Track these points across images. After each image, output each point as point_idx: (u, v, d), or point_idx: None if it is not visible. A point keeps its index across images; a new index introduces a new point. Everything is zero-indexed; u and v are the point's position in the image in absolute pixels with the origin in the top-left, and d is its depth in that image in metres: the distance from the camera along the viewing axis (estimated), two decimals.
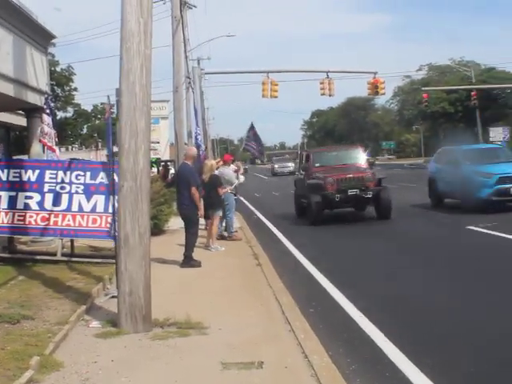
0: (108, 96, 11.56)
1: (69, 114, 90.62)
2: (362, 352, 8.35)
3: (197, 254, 15.34)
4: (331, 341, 8.81)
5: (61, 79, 73.56)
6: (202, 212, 15.49)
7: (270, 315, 10.08)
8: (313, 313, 10.46)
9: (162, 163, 38.36)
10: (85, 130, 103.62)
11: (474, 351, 8.19)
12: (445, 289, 11.68)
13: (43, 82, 17.56)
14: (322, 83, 42.83)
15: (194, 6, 37.24)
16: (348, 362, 7.96)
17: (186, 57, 37.84)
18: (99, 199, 14.79)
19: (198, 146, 27.39)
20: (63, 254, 14.94)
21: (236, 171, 20.44)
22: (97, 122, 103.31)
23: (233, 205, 19.79)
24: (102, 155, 66.87)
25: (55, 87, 65.86)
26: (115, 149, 12.18)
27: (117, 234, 9.86)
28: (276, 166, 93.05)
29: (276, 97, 42.35)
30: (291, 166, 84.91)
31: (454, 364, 7.76)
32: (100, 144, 79.95)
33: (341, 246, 18.38)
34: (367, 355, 8.22)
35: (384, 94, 44.64)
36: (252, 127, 27.32)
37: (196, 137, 30.27)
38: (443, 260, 14.55)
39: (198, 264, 14.73)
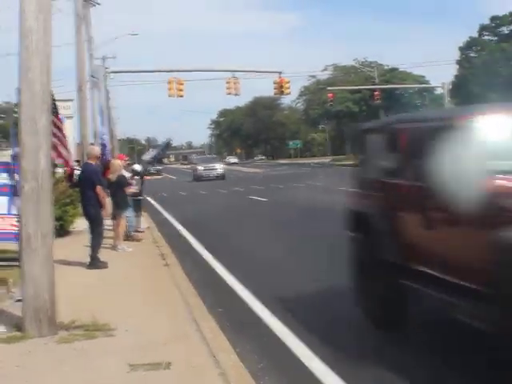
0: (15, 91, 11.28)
1: None
2: (269, 349, 8.41)
3: (103, 254, 15.14)
4: (239, 339, 8.82)
5: None
6: (107, 211, 15.29)
7: (178, 315, 10.01)
8: (221, 312, 10.43)
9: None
10: None
11: None
12: None
13: None
14: (228, 82, 43.11)
15: (98, 3, 36.87)
16: (255, 358, 7.98)
17: (91, 55, 37.42)
18: (2, 200, 14.43)
19: (103, 146, 27.04)
20: None
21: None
22: (0, 121, 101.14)
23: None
24: (5, 156, 65.51)
25: None
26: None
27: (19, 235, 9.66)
28: (200, 167, 69.30)
29: (182, 96, 42.44)
30: (219, 167, 69.75)
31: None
32: (3, 144, 78.25)
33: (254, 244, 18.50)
34: (275, 352, 8.26)
35: (289, 93, 45.36)
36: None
37: (101, 136, 29.93)
38: None
39: (104, 265, 14.53)
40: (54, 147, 16.17)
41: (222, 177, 66.67)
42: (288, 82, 43.99)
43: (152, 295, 11.60)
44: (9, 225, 14.21)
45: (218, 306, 10.78)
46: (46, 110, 9.18)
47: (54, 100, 14.33)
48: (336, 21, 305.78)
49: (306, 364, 7.71)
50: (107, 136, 32.13)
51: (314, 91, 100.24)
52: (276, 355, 8.14)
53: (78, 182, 18.29)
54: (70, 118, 47.01)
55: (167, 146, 23.44)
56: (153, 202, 35.89)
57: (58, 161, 17.60)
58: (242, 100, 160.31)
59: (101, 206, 14.87)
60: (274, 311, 10.11)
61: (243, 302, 11.04)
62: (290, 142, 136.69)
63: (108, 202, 15.88)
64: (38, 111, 9.04)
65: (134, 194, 20.28)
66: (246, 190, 42.02)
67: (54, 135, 15.61)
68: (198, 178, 67.42)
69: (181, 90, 42.01)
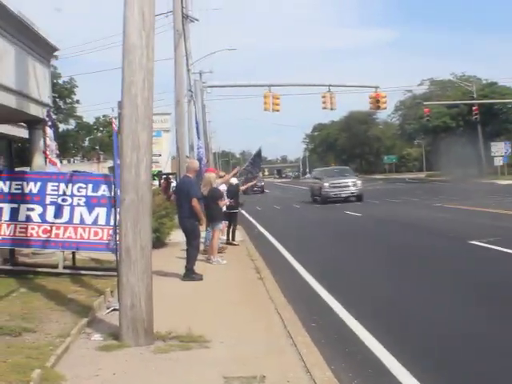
0: (112, 108, 11.56)
1: (71, 127, 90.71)
2: (364, 367, 8.28)
3: (198, 267, 15.32)
4: (333, 355, 8.74)
5: (63, 92, 73.68)
6: (204, 224, 15.41)
7: (272, 329, 10.04)
8: (315, 327, 10.40)
9: (164, 176, 38.37)
10: (87, 143, 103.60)
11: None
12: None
13: (45, 95, 17.56)
14: (323, 97, 43.00)
15: (196, 20, 37.39)
16: (350, 376, 7.90)
17: (188, 70, 37.94)
18: (101, 212, 14.79)
19: (199, 159, 27.36)
20: (65, 267, 14.91)
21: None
22: (99, 134, 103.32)
23: None
24: (103, 168, 66.89)
25: (57, 99, 66.02)
26: (119, 161, 12.20)
27: (118, 246, 9.85)
28: (326, 184, 47.40)
29: (278, 110, 42.50)
30: (354, 183, 47.56)
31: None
32: (102, 157, 79.99)
33: (349, 259, 18.39)
34: (370, 370, 8.15)
35: (385, 108, 44.86)
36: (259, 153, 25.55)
37: (198, 150, 30.28)
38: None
39: (199, 277, 14.70)
40: None
41: (358, 197, 46.45)
42: (384, 97, 43.66)
43: (246, 308, 11.66)
44: (107, 236, 14.58)
45: (313, 321, 10.74)
46: (148, 125, 9.37)
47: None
48: (433, 35, 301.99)
49: None
50: (203, 149, 32.50)
51: (410, 106, 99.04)
52: (371, 374, 8.04)
53: (174, 194, 18.59)
54: (167, 131, 47.88)
55: (259, 154, 22.85)
56: (247, 215, 36.03)
57: None
58: (336, 115, 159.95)
59: (198, 218, 15.03)
60: (369, 328, 10.00)
61: (338, 318, 10.94)
62: (385, 157, 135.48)
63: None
64: (139, 126, 9.24)
65: (230, 207, 20.47)
66: (341, 205, 41.81)
67: None
68: (324, 198, 46.63)
69: (277, 105, 42.12)
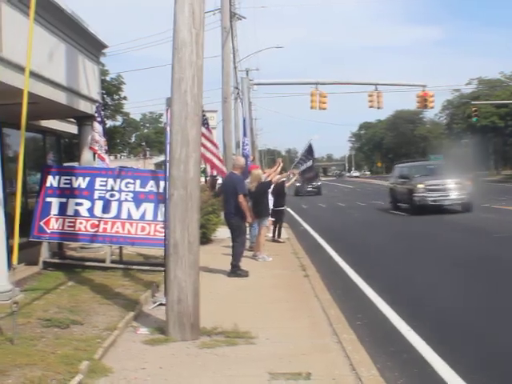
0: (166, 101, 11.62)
1: (118, 123, 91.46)
2: (410, 366, 8.25)
3: (244, 263, 15.37)
4: (378, 353, 8.71)
5: (110, 88, 74.26)
6: (249, 220, 15.40)
7: (318, 326, 10.04)
8: (360, 325, 10.37)
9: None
10: (133, 139, 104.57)
11: None
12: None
13: (95, 91, 17.74)
14: (370, 95, 42.63)
15: (244, 17, 37.53)
16: (396, 375, 7.86)
17: (235, 67, 38.08)
18: (148, 207, 14.92)
19: (245, 157, 27.39)
20: (112, 261, 15.06)
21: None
22: (145, 130, 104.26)
23: None
24: (149, 164, 67.43)
25: (105, 96, 66.58)
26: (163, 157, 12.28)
27: (166, 241, 9.93)
28: (421, 186, 32.81)
29: (325, 108, 42.24)
30: (456, 187, 32.59)
31: None
32: (148, 153, 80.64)
33: (394, 258, 18.30)
34: (416, 369, 8.11)
35: (433, 107, 44.20)
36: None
37: (244, 147, 30.30)
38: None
39: (245, 274, 14.76)
40: (208, 159, 16.63)
41: (466, 206, 32.41)
42: (432, 96, 43.13)
43: (292, 305, 11.67)
44: (154, 231, 14.69)
45: (358, 319, 10.73)
46: (197, 121, 9.43)
47: (203, 111, 14.73)
48: (481, 33, 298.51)
49: None
50: (249, 147, 32.54)
51: (458, 105, 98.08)
52: (417, 373, 7.99)
53: (220, 191, 18.64)
54: (213, 128, 48.02)
55: (310, 149, 21.88)
56: (292, 212, 36.02)
57: (213, 171, 18.00)
58: (382, 114, 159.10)
59: (243, 215, 15.07)
60: (415, 327, 9.95)
61: (384, 317, 10.90)
62: (432, 156, 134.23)
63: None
64: (189, 122, 9.30)
65: (276, 204, 20.52)
66: (385, 204, 41.52)
67: (206, 147, 16.03)
68: (418, 206, 32.75)
69: (324, 103, 41.87)
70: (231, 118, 30.82)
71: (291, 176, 22.17)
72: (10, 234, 12.17)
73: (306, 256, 18.32)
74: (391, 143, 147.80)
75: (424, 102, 42.75)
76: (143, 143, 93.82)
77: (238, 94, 38.80)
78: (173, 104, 9.47)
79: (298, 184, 50.40)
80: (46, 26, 13.73)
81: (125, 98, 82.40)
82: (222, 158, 15.81)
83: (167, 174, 10.35)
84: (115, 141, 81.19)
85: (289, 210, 26.54)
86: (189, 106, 9.32)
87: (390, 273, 15.58)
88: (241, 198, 14.93)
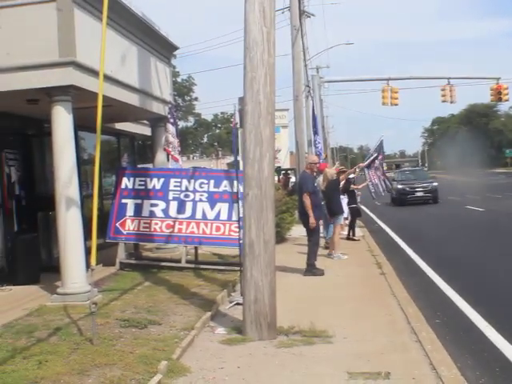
0: (235, 105, 11.66)
1: (189, 124, 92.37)
2: (491, 365, 8.07)
3: (319, 262, 15.30)
4: (458, 352, 8.55)
5: (181, 89, 75.07)
6: (312, 220, 15.18)
7: (396, 325, 9.92)
8: (439, 323, 10.21)
9: (283, 172, 38.50)
10: (205, 139, 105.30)
11: None
12: None
13: (167, 92, 17.87)
14: (443, 90, 42.04)
15: (313, 15, 37.35)
16: (477, 375, 7.70)
17: (305, 65, 37.87)
18: (223, 207, 14.96)
19: (318, 155, 27.28)
20: (187, 261, 15.16)
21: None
22: (217, 131, 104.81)
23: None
24: (222, 164, 67.75)
25: (176, 97, 67.28)
26: (237, 157, 12.29)
27: (241, 241, 9.93)
28: None
29: (396, 104, 41.82)
30: None
31: None
32: (220, 153, 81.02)
33: (473, 256, 17.94)
34: (497, 368, 7.93)
35: (507, 100, 43.33)
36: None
37: (316, 145, 30.17)
38: None
39: (320, 272, 14.68)
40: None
41: None
42: (506, 88, 42.33)
43: (369, 303, 11.56)
44: (229, 231, 14.73)
45: (437, 317, 10.56)
46: (270, 120, 9.40)
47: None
48: None
49: None
50: (321, 145, 32.39)
51: None
52: (499, 373, 7.81)
53: (293, 189, 18.58)
54: (285, 127, 48.07)
55: (381, 145, 21.64)
56: (366, 210, 35.76)
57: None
58: (454, 108, 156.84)
59: (316, 214, 14.92)
60: (496, 326, 9.73)
61: (464, 315, 10.69)
62: (507, 151, 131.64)
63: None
64: (262, 121, 9.29)
65: (350, 202, 20.43)
66: (461, 200, 40.89)
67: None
68: None
69: (395, 99, 41.46)
70: (303, 116, 30.65)
71: (357, 169, 21.85)
72: (86, 236, 12.39)
73: (381, 253, 18.14)
74: (465, 138, 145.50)
75: (498, 94, 41.97)
76: (215, 143, 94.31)
77: (308, 91, 38.56)
78: (246, 103, 9.47)
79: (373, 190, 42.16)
80: (117, 30, 13.89)
81: (196, 98, 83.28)
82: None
83: (240, 174, 10.36)
84: (187, 142, 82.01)
85: (362, 207, 26.23)
86: (262, 105, 9.31)
87: (470, 270, 15.31)
88: (304, 196, 14.82)
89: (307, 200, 14.88)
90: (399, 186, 42.45)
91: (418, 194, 41.94)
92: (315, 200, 15.03)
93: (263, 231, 9.26)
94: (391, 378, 7.42)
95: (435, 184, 42.69)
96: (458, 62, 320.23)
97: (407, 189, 42.30)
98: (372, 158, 21.70)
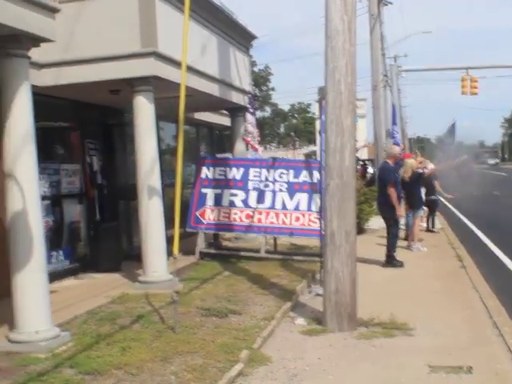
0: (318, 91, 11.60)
1: (266, 114, 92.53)
2: None
3: (398, 254, 15.16)
4: None
5: (258, 80, 75.23)
6: (400, 212, 15.10)
7: (477, 319, 9.79)
8: None
9: (361, 162, 38.24)
10: (282, 129, 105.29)
11: None
12: None
13: (246, 82, 17.94)
14: None
15: (390, 3, 36.93)
16: None
17: (383, 55, 37.52)
18: (302, 197, 14.94)
19: (396, 145, 26.97)
20: (266, 251, 15.17)
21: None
22: (293, 121, 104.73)
23: None
24: (299, 154, 67.71)
25: (253, 87, 67.64)
26: (314, 148, 12.23)
27: (323, 231, 9.91)
28: None
29: (476, 94, 41.20)
30: None
31: None
32: (297, 143, 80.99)
33: None
34: None
35: None
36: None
37: (394, 136, 29.88)
38: None
39: (400, 264, 14.55)
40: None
41: None
42: None
43: (449, 296, 11.42)
44: (309, 221, 14.71)
45: None
46: (351, 110, 9.34)
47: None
48: None
49: None
50: (399, 135, 32.08)
51: None
52: None
53: (371, 180, 18.41)
54: (362, 117, 47.75)
55: (453, 127, 21.23)
56: (445, 201, 35.24)
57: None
58: None
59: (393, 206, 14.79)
60: None
61: None
62: None
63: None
64: (343, 111, 9.24)
65: (429, 193, 20.21)
66: None
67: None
68: None
69: (475, 88, 40.82)
70: (381, 106, 30.38)
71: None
72: (166, 225, 12.57)
73: (461, 246, 17.85)
74: None
75: None
76: (292, 133, 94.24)
77: (386, 81, 38.20)
78: (327, 93, 9.43)
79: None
80: (197, 20, 13.99)
81: (273, 88, 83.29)
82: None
83: (322, 164, 10.34)
84: (264, 131, 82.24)
85: (441, 198, 25.78)
86: (343, 95, 9.26)
87: None
88: (390, 189, 14.68)
89: (393, 192, 14.76)
90: None
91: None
92: (397, 191, 14.91)
93: (344, 222, 9.22)
94: (473, 372, 7.33)
95: None
96: None
97: None
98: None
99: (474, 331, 9.10)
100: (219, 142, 25.00)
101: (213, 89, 15.01)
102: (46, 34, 8.21)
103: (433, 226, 21.46)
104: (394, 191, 14.75)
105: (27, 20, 7.74)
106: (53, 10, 8.33)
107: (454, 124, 22.50)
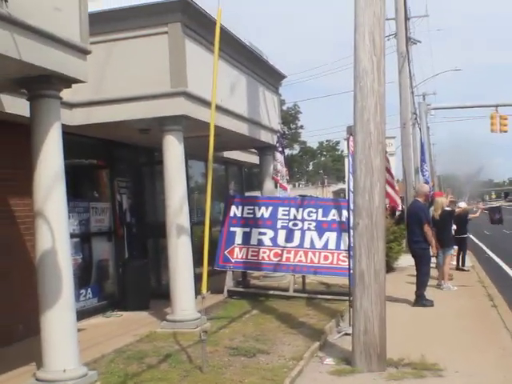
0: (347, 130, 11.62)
1: (295, 152, 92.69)
2: None
3: (428, 293, 15.02)
4: None
5: (287, 117, 75.49)
6: (435, 250, 15.10)
7: (509, 359, 9.63)
8: None
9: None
10: (310, 167, 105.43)
11: None
12: None
13: (275, 121, 18.02)
14: None
15: (419, 41, 37.08)
16: None
17: (412, 92, 37.53)
18: (331, 236, 14.90)
19: (426, 183, 26.88)
20: (295, 290, 15.13)
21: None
22: (322, 158, 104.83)
23: None
24: (328, 192, 67.66)
25: (282, 125, 67.95)
26: (343, 185, 12.20)
27: (351, 270, 9.87)
28: None
29: (506, 131, 41.00)
30: None
31: None
32: (326, 181, 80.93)
33: None
34: None
35: None
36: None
37: (423, 173, 29.77)
38: None
39: (430, 304, 14.42)
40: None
41: None
42: None
43: (480, 336, 11.27)
44: (337, 260, 14.66)
45: None
46: (381, 150, 9.34)
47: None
48: None
49: None
50: (428, 172, 31.96)
51: None
52: None
53: (400, 218, 18.33)
54: (392, 155, 47.58)
55: (481, 169, 21.05)
56: (475, 239, 34.99)
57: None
58: None
59: (428, 244, 14.73)
60: None
61: None
62: None
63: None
64: (372, 151, 9.24)
65: (459, 232, 20.07)
66: None
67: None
68: None
69: (504, 125, 40.63)
70: (410, 143, 30.31)
71: (474, 209, 21.57)
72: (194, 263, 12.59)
73: (492, 285, 17.67)
74: None
75: None
76: (321, 171, 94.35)
77: (415, 119, 38.16)
78: (356, 133, 9.45)
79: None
80: (226, 59, 14.11)
81: (301, 126, 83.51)
82: (397, 188, 15.41)
83: (350, 203, 10.32)
84: (293, 169, 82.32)
85: (471, 236, 25.63)
86: (372, 135, 9.26)
87: None
88: (425, 227, 14.63)
89: (429, 231, 14.75)
90: None
91: None
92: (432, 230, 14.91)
93: (374, 261, 9.17)
94: None
95: None
96: None
97: None
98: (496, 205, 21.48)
99: (506, 372, 8.94)
100: (248, 179, 25.10)
101: (242, 128, 15.08)
102: (77, 76, 8.30)
103: (463, 265, 21.30)
104: (429, 229, 14.72)
105: (59, 61, 7.83)
106: (85, 52, 8.44)
107: (481, 166, 22.54)
